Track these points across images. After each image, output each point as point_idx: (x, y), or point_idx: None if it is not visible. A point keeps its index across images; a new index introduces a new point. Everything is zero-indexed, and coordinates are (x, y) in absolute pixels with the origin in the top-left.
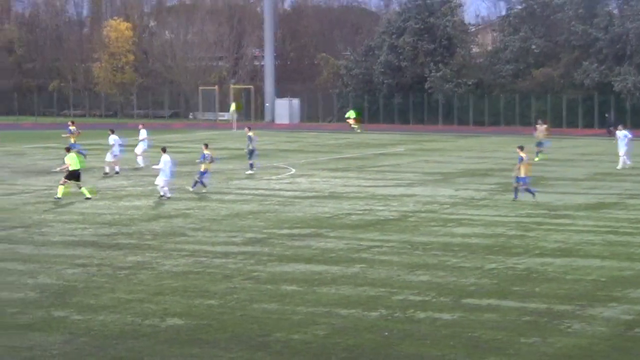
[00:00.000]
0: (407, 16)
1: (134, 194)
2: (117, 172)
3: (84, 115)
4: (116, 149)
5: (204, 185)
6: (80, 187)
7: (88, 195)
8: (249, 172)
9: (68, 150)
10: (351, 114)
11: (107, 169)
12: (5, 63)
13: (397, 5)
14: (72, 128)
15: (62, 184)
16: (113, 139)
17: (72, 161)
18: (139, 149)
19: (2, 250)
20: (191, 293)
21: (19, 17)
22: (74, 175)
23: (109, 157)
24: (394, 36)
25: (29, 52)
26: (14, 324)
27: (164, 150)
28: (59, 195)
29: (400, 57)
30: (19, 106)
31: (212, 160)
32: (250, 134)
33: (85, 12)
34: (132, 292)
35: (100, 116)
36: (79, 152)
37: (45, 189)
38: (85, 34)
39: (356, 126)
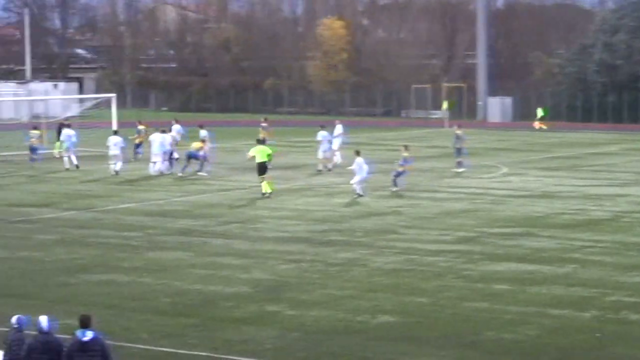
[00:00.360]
0: (622, 14)
1: (346, 191)
2: (329, 169)
3: (297, 113)
4: (325, 146)
5: (395, 184)
6: (262, 181)
7: (266, 191)
8: (457, 170)
9: (259, 142)
10: (544, 111)
11: (320, 167)
12: (222, 61)
13: (612, 3)
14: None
15: (261, 181)
16: (322, 135)
17: (257, 153)
18: (335, 144)
19: (218, 245)
20: (402, 290)
21: (235, 16)
22: (261, 168)
23: (325, 154)
24: (608, 34)
25: (245, 50)
26: (229, 318)
27: (357, 153)
28: (264, 190)
29: (615, 55)
30: (235, 103)
31: (406, 163)
32: (459, 132)
33: (299, 11)
34: (343, 288)
35: (314, 114)
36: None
37: (259, 186)
38: (300, 33)
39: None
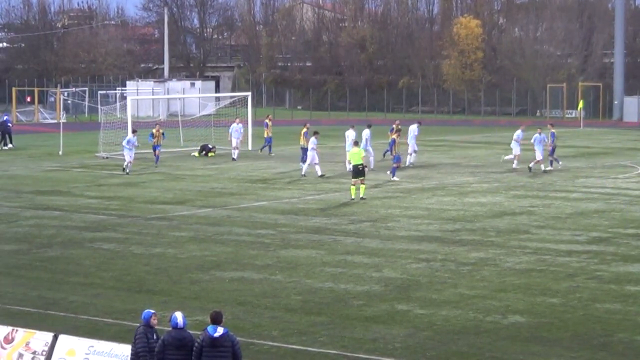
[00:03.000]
0: None
1: (479, 190)
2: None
3: (432, 112)
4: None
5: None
6: (360, 184)
7: (354, 196)
8: (549, 168)
9: (356, 144)
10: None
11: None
12: (357, 60)
13: None
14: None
15: (352, 185)
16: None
17: (351, 157)
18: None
19: (350, 244)
20: (533, 291)
21: (372, 15)
22: (357, 172)
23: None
24: None
25: (380, 49)
26: (359, 316)
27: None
28: (353, 195)
29: None
30: (369, 102)
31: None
32: (554, 130)
33: (435, 10)
34: (474, 288)
35: (448, 113)
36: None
37: (392, 184)
38: (435, 32)
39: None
